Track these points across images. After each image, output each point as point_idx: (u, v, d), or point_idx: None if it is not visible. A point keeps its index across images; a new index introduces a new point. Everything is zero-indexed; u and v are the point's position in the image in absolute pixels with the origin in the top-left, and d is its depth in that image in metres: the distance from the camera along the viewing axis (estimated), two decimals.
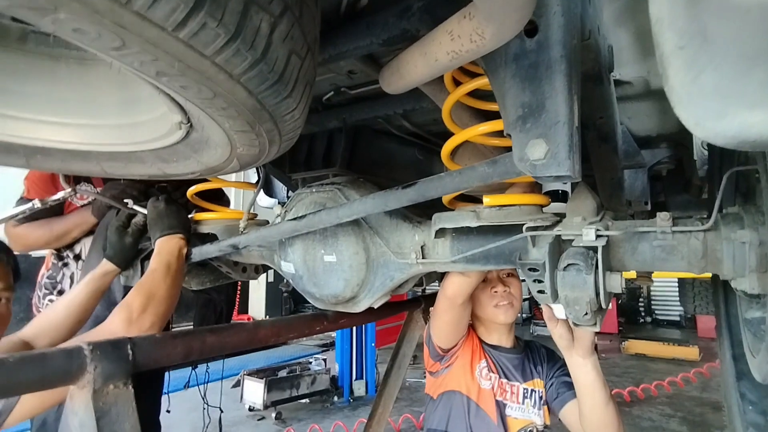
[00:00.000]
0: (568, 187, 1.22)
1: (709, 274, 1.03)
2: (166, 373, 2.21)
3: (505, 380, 1.52)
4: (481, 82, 0.95)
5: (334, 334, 7.34)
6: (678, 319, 10.94)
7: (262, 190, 2.20)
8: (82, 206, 1.86)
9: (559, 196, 1.19)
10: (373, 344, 6.47)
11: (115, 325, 1.10)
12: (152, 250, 1.42)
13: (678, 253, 0.92)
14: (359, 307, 1.33)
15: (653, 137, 1.73)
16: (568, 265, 0.89)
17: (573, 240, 0.96)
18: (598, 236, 0.91)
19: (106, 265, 1.45)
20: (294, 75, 0.65)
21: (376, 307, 1.33)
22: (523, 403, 1.50)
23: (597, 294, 0.88)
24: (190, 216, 1.59)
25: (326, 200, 1.32)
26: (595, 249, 0.90)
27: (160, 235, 1.41)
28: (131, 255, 1.50)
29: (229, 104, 0.62)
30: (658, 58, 0.34)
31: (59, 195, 1.53)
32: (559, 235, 0.98)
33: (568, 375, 1.31)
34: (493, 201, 1.06)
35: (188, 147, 0.92)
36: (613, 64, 1.07)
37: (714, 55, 0.30)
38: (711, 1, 0.29)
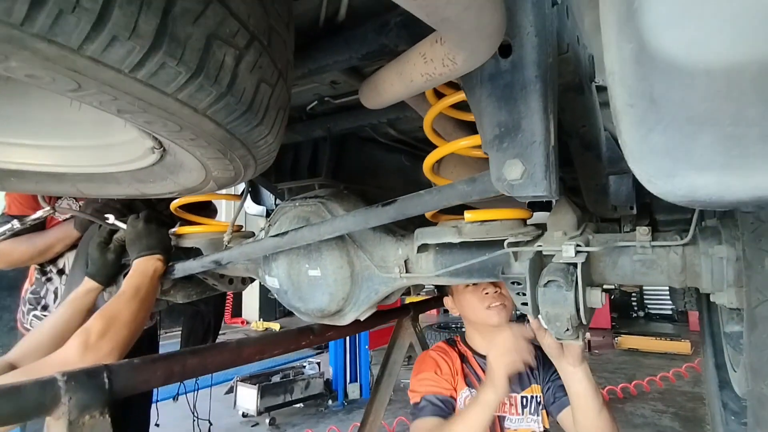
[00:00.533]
0: None
1: None
2: None
3: None
4: (462, 96, 0.94)
5: None
6: (670, 312, 11.03)
7: (249, 198, 2.19)
8: (64, 220, 1.84)
9: (543, 203, 1.19)
10: (366, 346, 6.47)
11: (68, 351, 1.04)
12: None
13: (657, 267, 0.92)
14: (345, 320, 1.33)
15: None
16: (549, 281, 0.89)
17: (554, 255, 0.96)
18: (577, 252, 0.90)
19: (88, 283, 1.41)
20: (264, 103, 0.64)
21: (362, 319, 1.33)
22: (522, 413, 1.47)
23: (578, 310, 0.88)
24: (173, 230, 1.56)
25: (309, 214, 1.31)
26: (575, 265, 0.90)
27: (137, 255, 1.38)
28: (113, 271, 1.47)
29: (198, 135, 0.61)
30: (612, 110, 0.34)
31: (38, 214, 1.51)
32: (540, 251, 0.98)
33: None
34: (475, 216, 1.06)
35: (164, 169, 0.91)
36: (594, 72, 1.07)
37: (662, 116, 0.30)
38: (657, 63, 0.29)
